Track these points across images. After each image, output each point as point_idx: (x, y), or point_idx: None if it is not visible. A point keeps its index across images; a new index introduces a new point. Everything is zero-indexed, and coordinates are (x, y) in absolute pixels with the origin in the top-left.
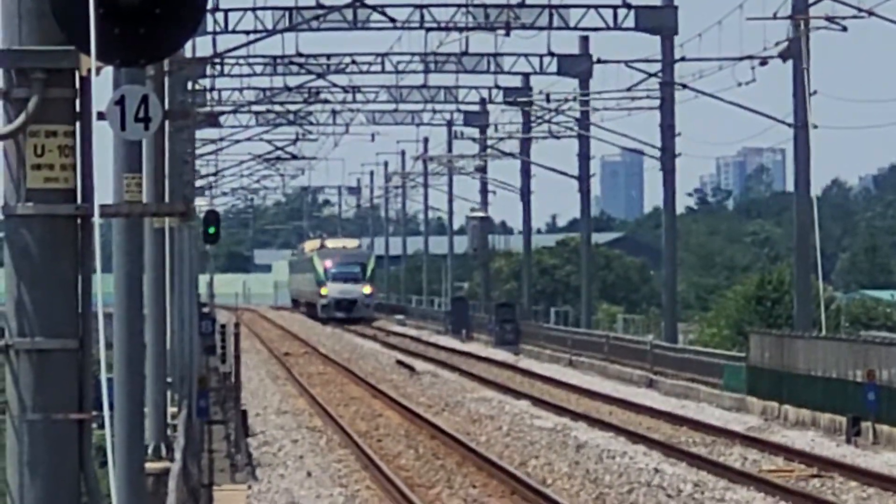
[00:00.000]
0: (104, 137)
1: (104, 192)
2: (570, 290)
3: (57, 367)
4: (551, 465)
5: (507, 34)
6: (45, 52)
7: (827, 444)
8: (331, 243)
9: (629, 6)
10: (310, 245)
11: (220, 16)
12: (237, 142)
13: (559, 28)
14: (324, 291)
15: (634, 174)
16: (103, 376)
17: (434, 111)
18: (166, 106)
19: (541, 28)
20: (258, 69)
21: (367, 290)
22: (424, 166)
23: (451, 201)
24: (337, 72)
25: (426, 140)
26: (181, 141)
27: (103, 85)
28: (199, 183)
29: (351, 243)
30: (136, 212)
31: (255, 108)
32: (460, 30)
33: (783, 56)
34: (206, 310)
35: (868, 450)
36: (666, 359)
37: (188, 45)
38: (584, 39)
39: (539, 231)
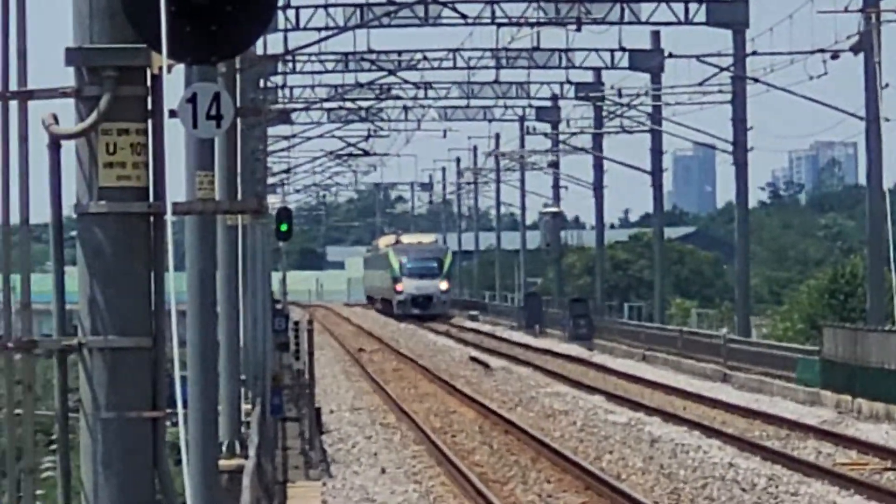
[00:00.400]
0: (177, 135)
1: (177, 189)
2: (643, 285)
3: (130, 366)
4: (625, 460)
5: (578, 29)
6: (117, 50)
7: None
8: (406, 238)
9: (700, 0)
10: (385, 241)
11: (291, 13)
12: (309, 139)
13: (630, 23)
14: (399, 287)
15: (707, 168)
16: (177, 374)
17: (505, 107)
18: (238, 103)
19: (612, 23)
20: (329, 66)
21: (443, 285)
22: (496, 162)
23: (523, 197)
24: (408, 68)
25: (498, 136)
26: (253, 138)
27: (175, 82)
28: (271, 180)
29: (427, 238)
30: (208, 209)
31: (326, 104)
32: (531, 25)
33: (854, 49)
34: (279, 307)
35: None
36: (739, 353)
37: (259, 43)
38: (656, 34)
39: (612, 226)
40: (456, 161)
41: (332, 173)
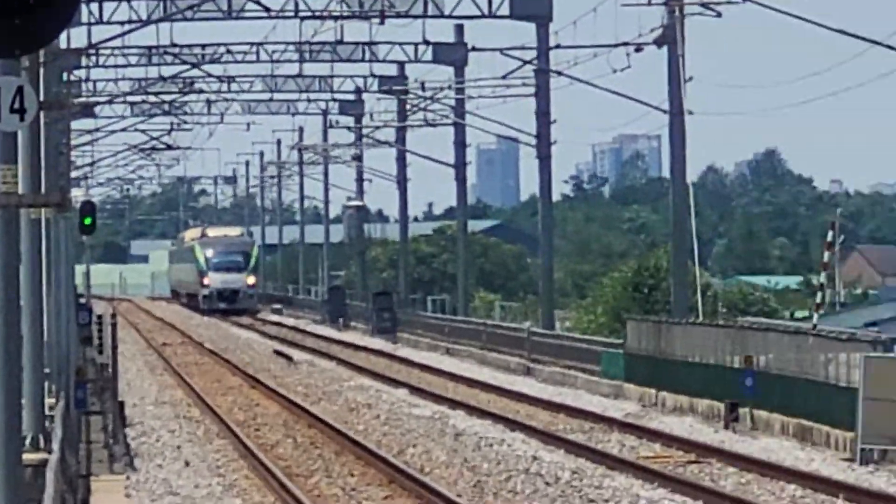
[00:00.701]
0: None
1: None
2: (447, 278)
3: None
4: (429, 454)
5: (382, 22)
6: None
7: (705, 431)
8: (212, 232)
9: None
10: (190, 234)
11: (94, 6)
12: (112, 132)
13: (434, 16)
14: (205, 281)
15: (510, 162)
16: None
17: (309, 100)
18: (41, 97)
19: (415, 16)
20: (133, 60)
21: (250, 280)
22: (300, 155)
23: (326, 190)
24: (212, 61)
25: (301, 129)
26: (56, 132)
27: None
28: (74, 174)
29: (233, 232)
30: (11, 203)
31: (130, 98)
32: (335, 18)
33: (658, 42)
34: (82, 300)
35: (746, 435)
36: (543, 346)
37: (63, 36)
38: (459, 27)
39: (415, 219)
40: (259, 155)
41: (135, 167)
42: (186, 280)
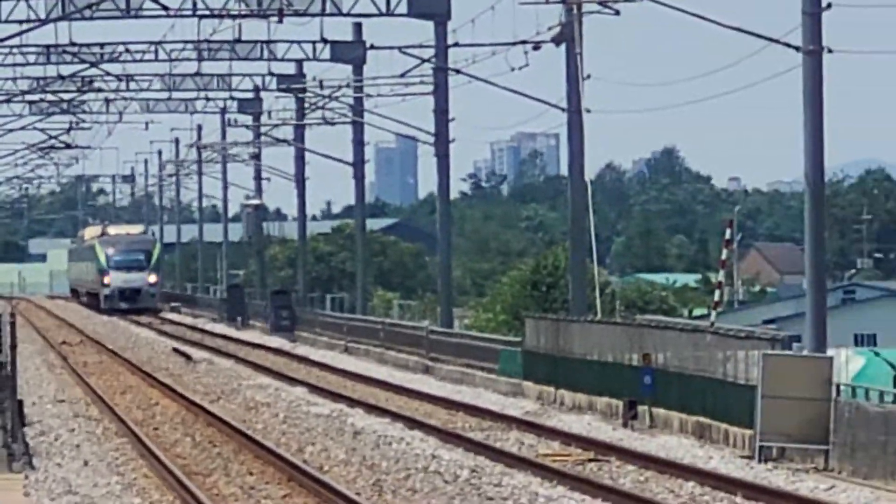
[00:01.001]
0: None
1: None
2: (345, 277)
3: None
4: (328, 452)
5: (280, 21)
6: None
7: (604, 429)
8: (113, 230)
9: None
10: (91, 231)
11: None
12: (11, 131)
13: (332, 14)
14: (106, 280)
15: (409, 160)
16: None
17: (208, 99)
18: None
19: (313, 14)
20: (31, 58)
21: (152, 278)
22: (198, 154)
23: (225, 189)
24: (110, 60)
25: (200, 128)
26: None
27: None
28: None
29: (134, 230)
30: None
31: (28, 97)
32: (233, 17)
33: (556, 41)
34: None
35: (645, 433)
36: (442, 344)
37: None
38: (358, 26)
39: (314, 218)
40: (158, 153)
41: (34, 166)
42: (87, 279)
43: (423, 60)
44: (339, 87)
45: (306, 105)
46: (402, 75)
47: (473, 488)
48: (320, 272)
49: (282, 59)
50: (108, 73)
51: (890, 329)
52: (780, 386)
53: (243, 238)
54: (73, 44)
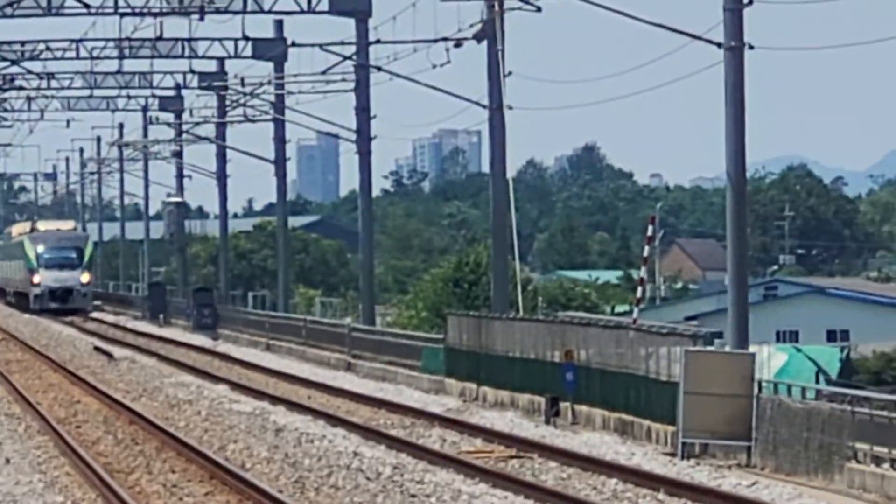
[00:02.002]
0: None
1: None
2: (267, 274)
3: None
4: (250, 450)
5: (202, 18)
6: None
7: (526, 425)
8: (43, 226)
9: None
10: (18, 228)
11: None
12: None
13: (254, 12)
14: (36, 279)
15: (330, 157)
16: None
17: (129, 97)
18: None
19: (235, 12)
20: None
21: (84, 277)
22: (120, 152)
23: (147, 187)
24: (31, 58)
25: (121, 126)
26: None
27: None
28: None
29: (66, 226)
30: None
31: None
32: (154, 15)
33: (477, 37)
34: None
35: (567, 430)
36: (364, 342)
37: None
38: (279, 23)
39: (236, 215)
40: (80, 151)
41: None
42: (14, 278)
43: (345, 58)
44: (261, 85)
45: (228, 103)
46: (324, 72)
47: (396, 485)
48: (242, 270)
49: (203, 57)
50: (29, 71)
51: (812, 325)
52: (702, 382)
53: (165, 236)
54: None
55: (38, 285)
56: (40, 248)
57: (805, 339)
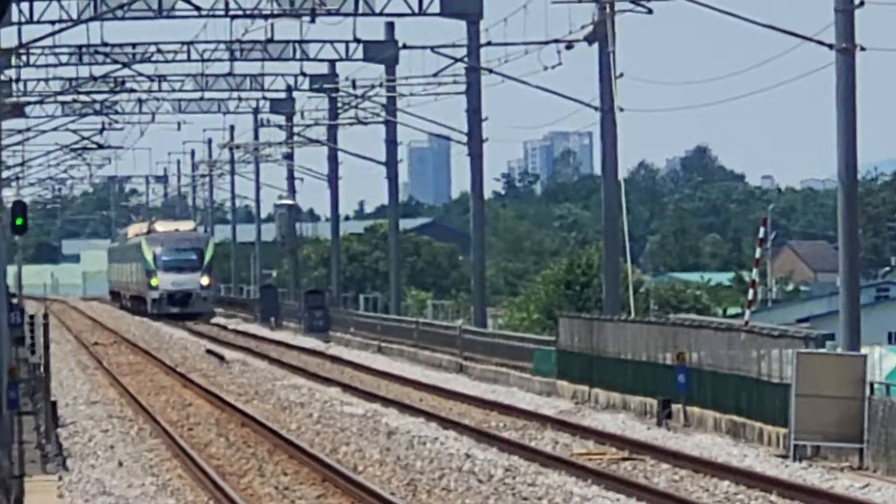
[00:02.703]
0: None
1: None
2: (378, 277)
3: None
4: (362, 452)
5: (313, 21)
6: None
7: (638, 427)
8: (161, 226)
9: None
10: (135, 229)
11: (25, 6)
12: (43, 132)
13: (365, 14)
14: (153, 283)
15: (442, 159)
16: None
17: (240, 99)
18: None
19: (346, 14)
20: (64, 59)
21: (205, 280)
22: (231, 154)
23: (258, 189)
24: (142, 61)
25: (232, 128)
26: None
27: None
28: (5, 174)
29: (185, 226)
30: None
31: (60, 98)
32: (265, 17)
33: (589, 39)
34: (14, 301)
35: (679, 432)
36: (475, 344)
37: None
38: (390, 25)
39: (347, 218)
40: (191, 153)
41: (66, 167)
42: (130, 281)
43: (456, 60)
44: (372, 87)
45: (339, 105)
46: (435, 75)
47: (508, 488)
48: (353, 272)
49: (314, 59)
50: (140, 74)
51: None
52: (813, 384)
53: (276, 238)
54: (105, 44)
55: (156, 289)
56: (158, 250)
57: None
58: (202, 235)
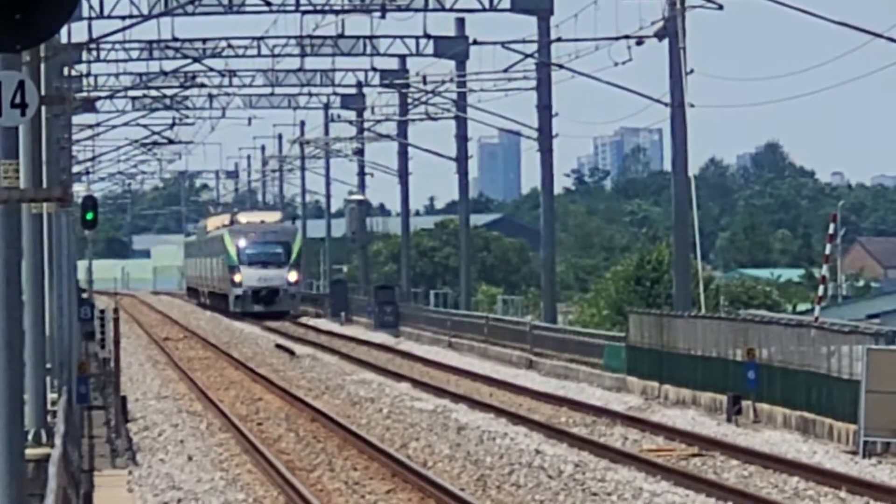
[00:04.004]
0: None
1: None
2: (449, 272)
3: None
4: (432, 447)
5: (383, 16)
6: None
7: (708, 423)
8: (245, 217)
9: None
10: (216, 220)
11: (95, 1)
12: (114, 127)
13: (435, 10)
14: (237, 279)
15: (512, 155)
16: None
17: (310, 94)
18: (42, 91)
19: (417, 10)
20: (134, 54)
21: (292, 276)
22: (301, 150)
23: (328, 184)
24: (213, 56)
25: (303, 123)
26: (58, 127)
27: None
28: (76, 169)
29: (271, 217)
30: (13, 198)
31: (131, 93)
32: (336, 12)
33: (659, 35)
34: (85, 295)
35: (749, 428)
36: (546, 339)
37: (64, 31)
38: (460, 21)
39: (417, 213)
40: (261, 149)
41: (137, 162)
42: (210, 276)
43: (526, 55)
44: (443, 83)
45: (409, 100)
46: (505, 70)
47: (577, 483)
48: (424, 267)
49: (385, 55)
50: (210, 69)
51: None
52: (884, 381)
53: (346, 233)
54: (175, 39)
55: (239, 285)
56: (242, 243)
57: None
58: (290, 227)
